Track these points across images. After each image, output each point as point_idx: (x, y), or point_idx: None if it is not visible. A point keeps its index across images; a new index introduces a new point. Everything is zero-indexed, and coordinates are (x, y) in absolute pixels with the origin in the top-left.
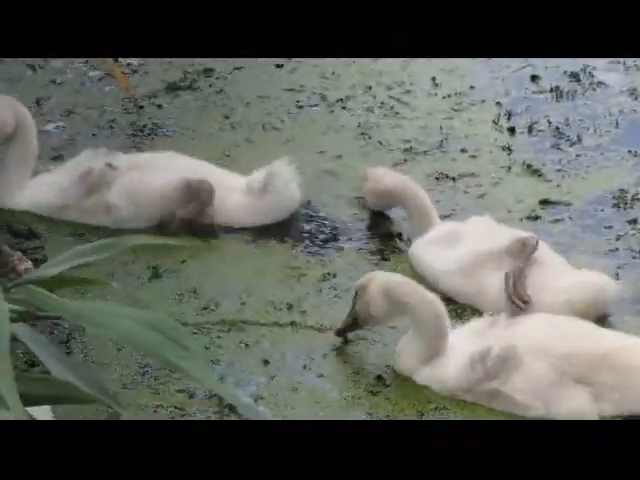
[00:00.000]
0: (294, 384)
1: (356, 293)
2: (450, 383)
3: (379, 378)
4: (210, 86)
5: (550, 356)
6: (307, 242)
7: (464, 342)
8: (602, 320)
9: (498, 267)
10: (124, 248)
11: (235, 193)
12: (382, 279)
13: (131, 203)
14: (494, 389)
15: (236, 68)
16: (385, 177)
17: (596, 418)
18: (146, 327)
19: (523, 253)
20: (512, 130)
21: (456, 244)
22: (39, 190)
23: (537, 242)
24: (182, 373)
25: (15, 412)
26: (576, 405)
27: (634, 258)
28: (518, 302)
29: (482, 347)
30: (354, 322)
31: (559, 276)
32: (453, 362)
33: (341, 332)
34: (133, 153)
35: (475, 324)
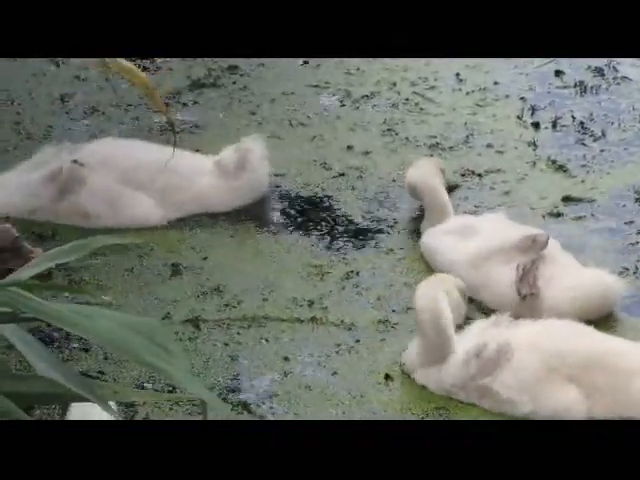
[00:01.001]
0: (307, 381)
1: None
2: (446, 381)
3: (387, 377)
4: (234, 83)
5: (542, 353)
6: (330, 239)
7: (464, 343)
8: (609, 319)
9: (506, 262)
10: (98, 247)
11: (204, 176)
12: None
13: (105, 205)
14: (485, 386)
15: (260, 65)
16: (411, 171)
17: (584, 417)
18: (127, 329)
19: (533, 249)
20: (536, 125)
21: (469, 237)
22: (5, 191)
23: (547, 239)
24: (162, 375)
25: None
26: (564, 403)
27: None
28: (524, 290)
29: (479, 342)
30: None
31: (567, 273)
32: (451, 361)
33: None
34: (94, 141)
35: (478, 325)
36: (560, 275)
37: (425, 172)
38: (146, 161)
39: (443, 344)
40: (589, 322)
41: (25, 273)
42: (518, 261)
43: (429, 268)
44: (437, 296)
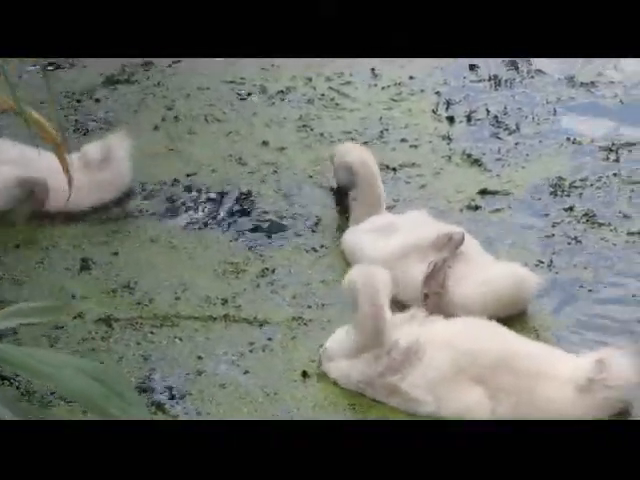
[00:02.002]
0: (222, 379)
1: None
2: (355, 375)
3: (304, 374)
4: (148, 79)
5: (452, 353)
6: (247, 236)
7: None
8: (524, 312)
9: (422, 260)
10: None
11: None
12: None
13: None
14: (393, 384)
15: (175, 61)
16: (352, 150)
17: (486, 415)
18: (89, 379)
19: (448, 247)
20: (451, 119)
21: (389, 234)
22: None
23: (463, 237)
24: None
25: None
26: (467, 404)
27: (569, 244)
28: (427, 289)
29: (390, 340)
30: None
31: (480, 269)
32: (361, 357)
33: None
34: None
35: (394, 319)
36: (473, 272)
37: (366, 156)
38: (7, 158)
39: (380, 325)
40: (504, 317)
41: None
42: (432, 258)
43: (345, 266)
44: (374, 273)
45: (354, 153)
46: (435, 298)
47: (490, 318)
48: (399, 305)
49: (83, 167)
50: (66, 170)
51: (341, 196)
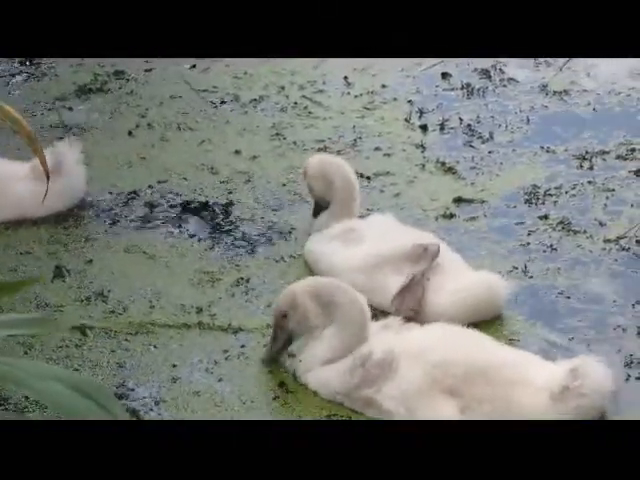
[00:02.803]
0: (196, 387)
1: (282, 314)
2: (332, 386)
3: (281, 384)
4: (120, 88)
5: (426, 364)
6: (221, 245)
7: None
8: (497, 317)
9: (398, 270)
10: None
11: (22, 182)
12: (305, 287)
13: None
14: (368, 397)
15: (147, 69)
16: (324, 160)
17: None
18: (73, 391)
19: (424, 259)
20: (424, 128)
21: (356, 242)
22: None
23: (438, 248)
24: None
25: None
26: (440, 416)
27: (544, 252)
28: (406, 309)
29: (364, 351)
30: (285, 343)
31: (454, 278)
32: (340, 365)
33: (273, 358)
34: None
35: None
36: (447, 280)
37: (345, 167)
38: None
39: (364, 318)
40: (478, 322)
41: None
42: (408, 269)
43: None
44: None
45: (332, 164)
46: (412, 315)
47: (463, 325)
48: (374, 315)
49: (35, 177)
50: (43, 163)
51: (319, 207)
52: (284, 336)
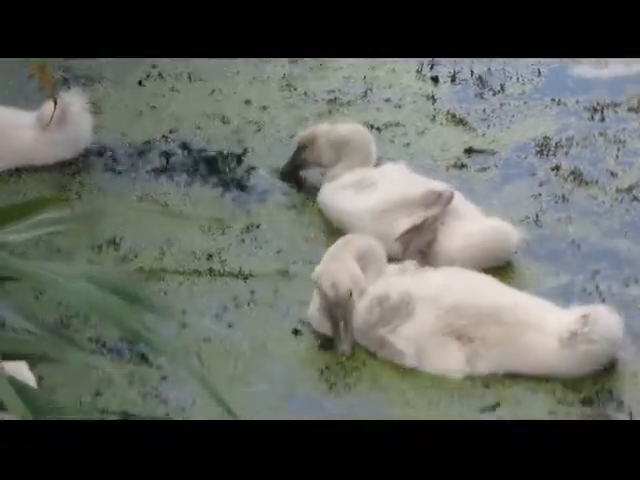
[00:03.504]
0: (206, 333)
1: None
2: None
3: (295, 332)
4: None
5: (439, 308)
6: (232, 192)
7: (371, 289)
8: (509, 266)
9: (409, 215)
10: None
11: (26, 130)
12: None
13: None
14: (382, 336)
15: None
16: (336, 128)
17: (460, 376)
18: (108, 292)
19: (438, 204)
20: (435, 79)
21: (367, 189)
22: None
23: (452, 194)
24: (140, 339)
25: None
26: (447, 362)
27: (556, 203)
28: (413, 249)
29: (382, 291)
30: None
31: (467, 224)
32: (359, 305)
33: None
34: None
35: (386, 270)
36: (459, 227)
37: (361, 128)
38: None
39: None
40: (488, 269)
41: (12, 238)
42: (420, 215)
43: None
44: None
45: (346, 127)
46: (417, 256)
47: (475, 270)
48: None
49: (40, 125)
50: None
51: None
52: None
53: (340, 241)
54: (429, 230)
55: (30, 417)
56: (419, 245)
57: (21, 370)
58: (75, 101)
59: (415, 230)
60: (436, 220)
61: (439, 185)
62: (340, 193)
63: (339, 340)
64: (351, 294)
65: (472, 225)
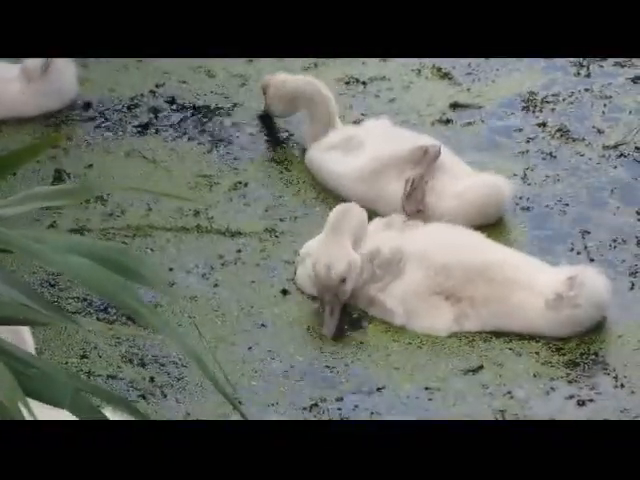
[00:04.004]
0: (193, 292)
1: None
2: None
3: (284, 292)
4: None
5: (428, 267)
6: (220, 149)
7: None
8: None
9: (399, 173)
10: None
11: (11, 82)
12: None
13: None
14: (372, 295)
15: None
16: (289, 80)
17: (446, 334)
18: (97, 262)
19: (425, 160)
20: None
21: (356, 149)
22: None
23: (439, 150)
24: (134, 313)
25: None
26: (435, 322)
27: (544, 159)
28: (409, 208)
29: (373, 247)
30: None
31: (457, 180)
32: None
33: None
34: None
35: (372, 225)
36: (450, 183)
37: (306, 78)
38: None
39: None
40: (480, 226)
41: (7, 211)
42: (410, 172)
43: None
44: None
45: (293, 81)
46: (417, 216)
47: (467, 226)
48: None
49: (25, 77)
50: None
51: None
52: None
53: (339, 214)
54: (418, 189)
55: (13, 381)
56: (413, 206)
57: (20, 335)
58: None
59: (408, 196)
60: (422, 178)
61: (426, 139)
62: (327, 154)
63: (324, 322)
64: (344, 281)
65: (463, 181)
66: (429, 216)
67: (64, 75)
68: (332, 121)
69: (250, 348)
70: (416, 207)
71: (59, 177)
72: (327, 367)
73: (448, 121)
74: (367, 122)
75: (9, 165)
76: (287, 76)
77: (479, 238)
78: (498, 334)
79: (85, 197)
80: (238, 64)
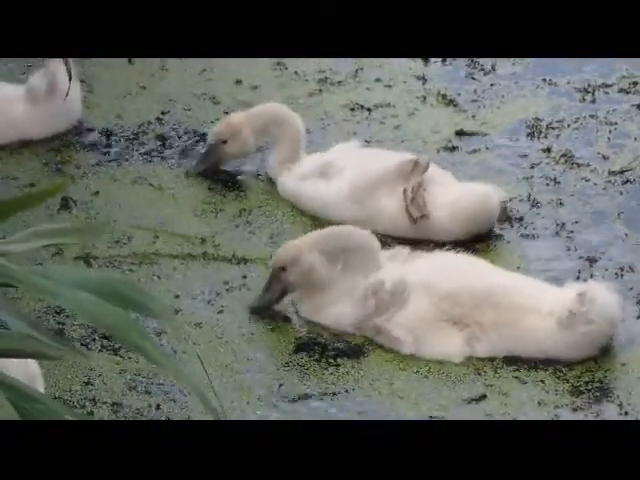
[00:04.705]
0: (198, 319)
1: (281, 268)
2: (345, 320)
3: (285, 318)
4: None
5: (433, 295)
6: (225, 175)
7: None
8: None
9: (391, 189)
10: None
11: (18, 104)
12: (310, 241)
13: None
14: (379, 325)
15: None
16: (256, 110)
17: (460, 360)
18: (102, 298)
19: (416, 171)
20: (426, 59)
21: (336, 173)
22: None
23: (428, 162)
24: (137, 351)
25: None
26: (446, 347)
27: (547, 185)
28: (415, 213)
29: (375, 280)
30: (280, 295)
31: (447, 190)
32: (348, 298)
33: (263, 309)
34: None
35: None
36: (441, 193)
37: (284, 110)
38: None
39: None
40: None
41: (13, 247)
42: (401, 186)
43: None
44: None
45: (267, 109)
46: (423, 222)
47: (466, 235)
48: (380, 241)
49: (30, 98)
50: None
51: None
52: (279, 289)
53: (330, 233)
54: (420, 195)
55: (17, 417)
56: (419, 211)
57: (26, 368)
58: (62, 70)
59: (411, 203)
60: (420, 186)
61: (406, 156)
62: (305, 183)
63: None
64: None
65: (454, 191)
66: (429, 226)
67: (69, 96)
68: (301, 145)
69: (252, 375)
70: (421, 212)
71: (66, 205)
72: (326, 394)
73: (454, 148)
74: (337, 146)
75: (10, 210)
76: (247, 111)
77: (482, 264)
78: (508, 361)
79: (90, 238)
80: (243, 90)
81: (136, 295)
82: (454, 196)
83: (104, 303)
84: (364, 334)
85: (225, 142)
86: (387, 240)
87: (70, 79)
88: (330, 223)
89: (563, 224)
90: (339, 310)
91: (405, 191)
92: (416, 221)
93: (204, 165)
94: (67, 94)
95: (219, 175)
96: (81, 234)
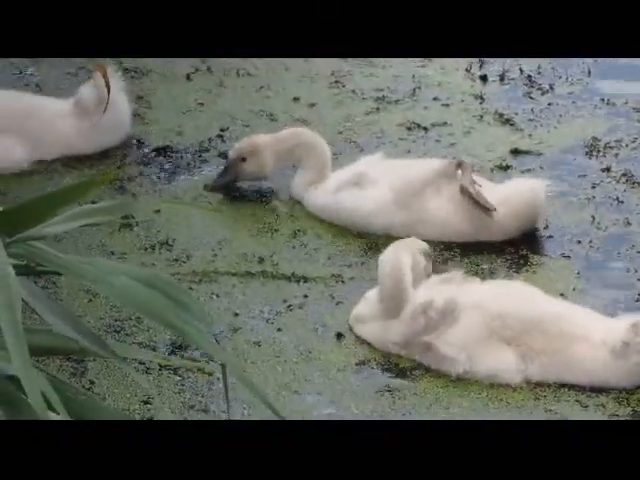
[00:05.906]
0: (257, 337)
1: (242, 159)
2: (389, 338)
3: (339, 335)
4: None
5: (484, 315)
6: (279, 194)
7: (413, 299)
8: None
9: (436, 191)
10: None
11: (65, 118)
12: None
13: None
14: (427, 342)
15: None
16: (282, 135)
17: (519, 380)
18: (144, 286)
19: (464, 172)
20: (484, 78)
21: (368, 183)
22: None
23: (470, 163)
24: (181, 334)
25: (19, 364)
26: (500, 365)
27: (611, 205)
28: (490, 205)
29: (426, 299)
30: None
31: (493, 190)
32: (398, 319)
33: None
34: None
35: (430, 281)
36: (491, 193)
37: (304, 131)
38: (12, 108)
39: (400, 302)
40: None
41: (50, 230)
42: (446, 189)
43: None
44: (401, 257)
45: (293, 134)
46: (490, 214)
47: (517, 232)
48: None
49: (79, 113)
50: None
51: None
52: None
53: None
54: (479, 191)
55: (67, 417)
56: (488, 205)
57: None
58: (112, 82)
59: (475, 198)
60: (474, 182)
61: (439, 161)
62: (340, 194)
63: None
64: (244, 159)
65: (501, 189)
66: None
67: (119, 110)
68: (328, 167)
69: (310, 396)
70: (490, 206)
71: (127, 223)
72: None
73: (508, 167)
74: (362, 159)
75: (58, 202)
76: (274, 134)
77: (533, 291)
78: (565, 386)
79: (123, 212)
80: (300, 108)
81: (178, 293)
82: (505, 193)
83: (147, 290)
84: (410, 354)
85: (244, 160)
86: (438, 246)
87: (109, 91)
88: (374, 231)
89: (632, 245)
90: (382, 328)
91: (464, 189)
92: (494, 210)
93: (221, 180)
94: (106, 107)
95: (230, 191)
96: (112, 213)
